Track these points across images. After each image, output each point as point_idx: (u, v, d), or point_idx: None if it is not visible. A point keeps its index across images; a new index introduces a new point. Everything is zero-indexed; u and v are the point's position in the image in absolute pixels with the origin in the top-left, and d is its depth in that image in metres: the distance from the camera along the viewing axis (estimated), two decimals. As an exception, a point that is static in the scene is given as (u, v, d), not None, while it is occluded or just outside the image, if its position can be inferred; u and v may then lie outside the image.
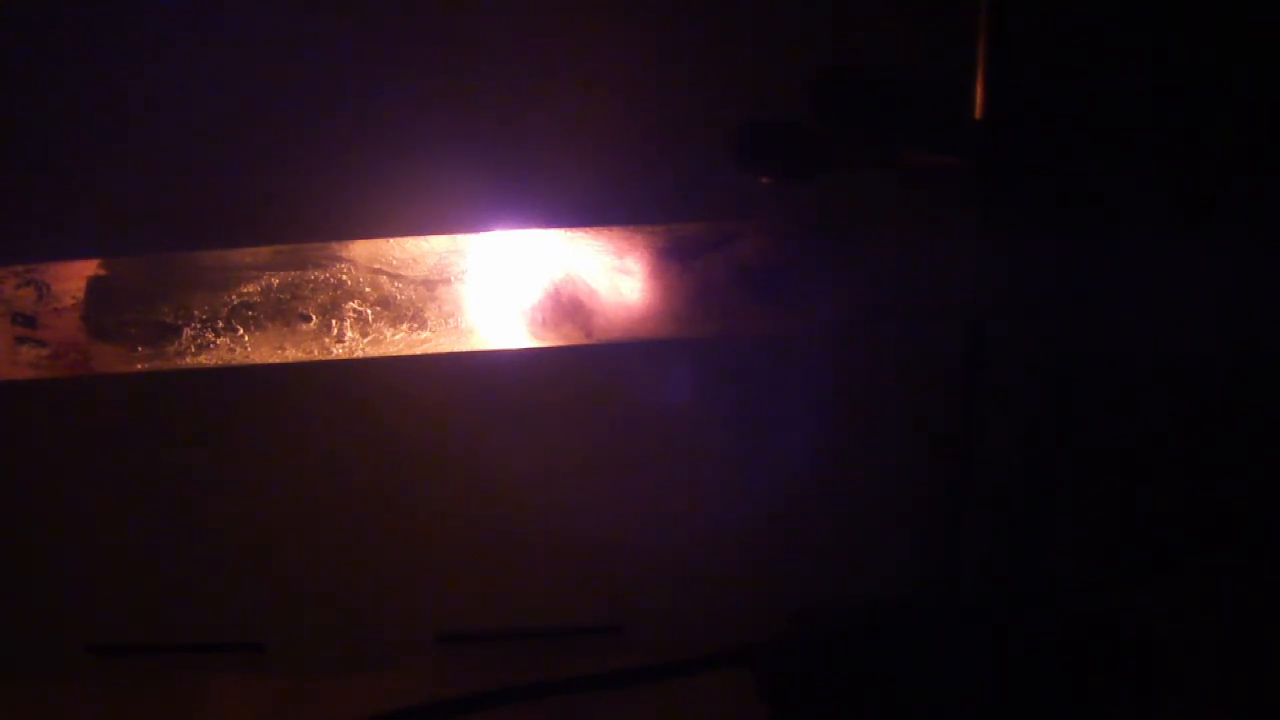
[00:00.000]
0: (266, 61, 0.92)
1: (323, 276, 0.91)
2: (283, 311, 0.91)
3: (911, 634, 1.15)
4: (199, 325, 0.91)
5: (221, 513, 1.11)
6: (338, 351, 0.92)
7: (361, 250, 0.92)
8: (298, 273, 0.91)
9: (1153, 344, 1.06)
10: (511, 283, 0.93)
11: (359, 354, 0.92)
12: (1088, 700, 1.09)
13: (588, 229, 0.93)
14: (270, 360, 0.92)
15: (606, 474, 1.11)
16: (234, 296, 0.91)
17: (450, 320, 0.93)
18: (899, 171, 0.95)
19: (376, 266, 0.91)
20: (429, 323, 0.92)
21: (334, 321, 0.92)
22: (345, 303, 0.92)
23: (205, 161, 0.95)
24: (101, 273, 0.91)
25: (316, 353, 0.92)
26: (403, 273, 0.92)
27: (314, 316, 0.91)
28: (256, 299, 0.91)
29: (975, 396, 1.01)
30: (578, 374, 1.05)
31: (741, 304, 0.94)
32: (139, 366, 0.92)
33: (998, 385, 1.04)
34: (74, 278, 0.91)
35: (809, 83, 0.94)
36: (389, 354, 0.93)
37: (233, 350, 0.91)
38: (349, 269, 0.91)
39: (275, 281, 0.91)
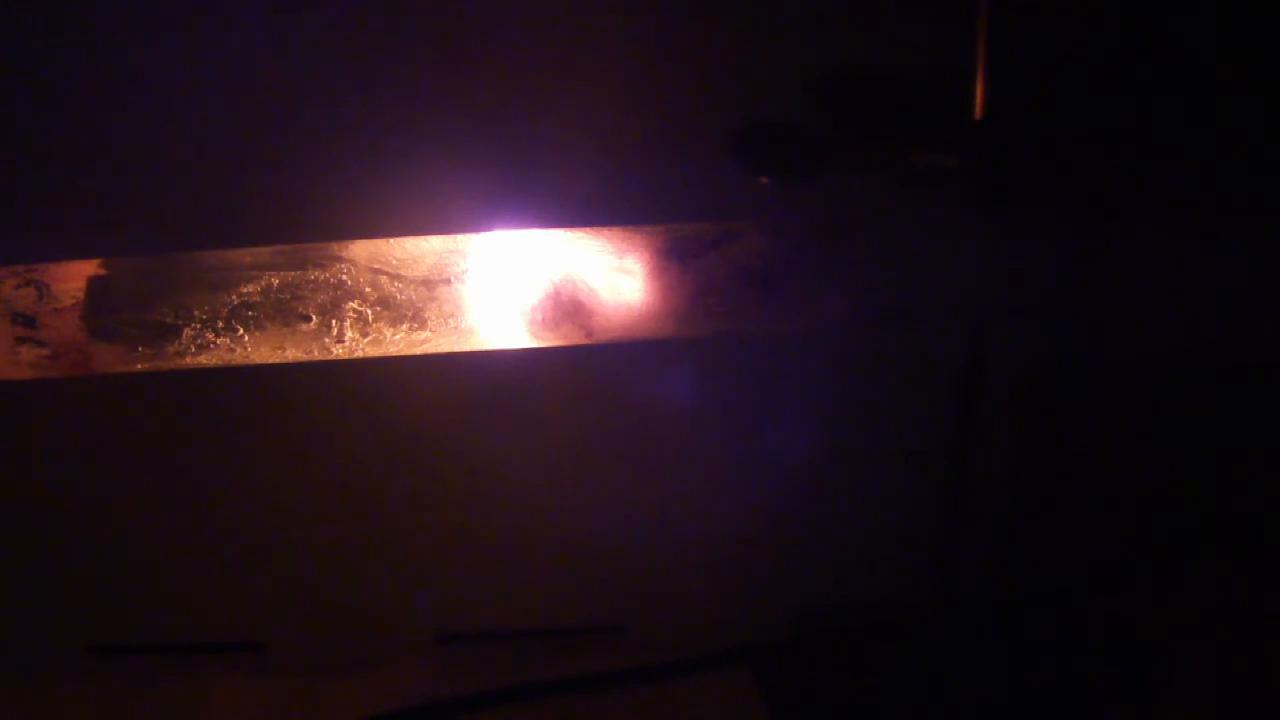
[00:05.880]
0: (267, 62, 0.92)
1: (323, 276, 0.91)
2: (283, 311, 0.91)
3: (912, 634, 1.15)
4: (199, 325, 0.91)
5: (221, 512, 1.11)
6: (338, 351, 0.92)
7: (361, 250, 0.92)
8: (298, 273, 0.91)
9: (1153, 344, 1.06)
10: (511, 283, 0.93)
11: (359, 354, 0.92)
12: (1088, 700, 1.09)
13: (588, 229, 0.92)
14: (270, 360, 0.92)
15: (607, 474, 1.11)
16: (234, 296, 0.91)
17: (450, 320, 0.92)
18: (899, 172, 0.95)
19: (376, 266, 0.91)
20: (429, 323, 0.92)
21: (334, 321, 0.92)
22: (345, 303, 0.91)
23: (205, 161, 0.95)
24: (101, 273, 0.91)
25: (316, 353, 0.92)
26: (403, 273, 0.92)
27: (314, 316, 0.91)
28: (256, 299, 0.91)
29: (975, 396, 1.01)
30: (578, 374, 1.05)
31: (741, 304, 0.94)
32: (139, 366, 0.92)
33: (998, 385, 1.04)
34: (74, 278, 0.91)
35: (809, 83, 0.94)
36: (389, 354, 0.93)
37: (233, 350, 0.91)
38: (349, 269, 0.91)
39: (275, 281, 0.91)
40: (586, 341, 0.94)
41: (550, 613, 1.19)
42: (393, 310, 0.92)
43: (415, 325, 0.92)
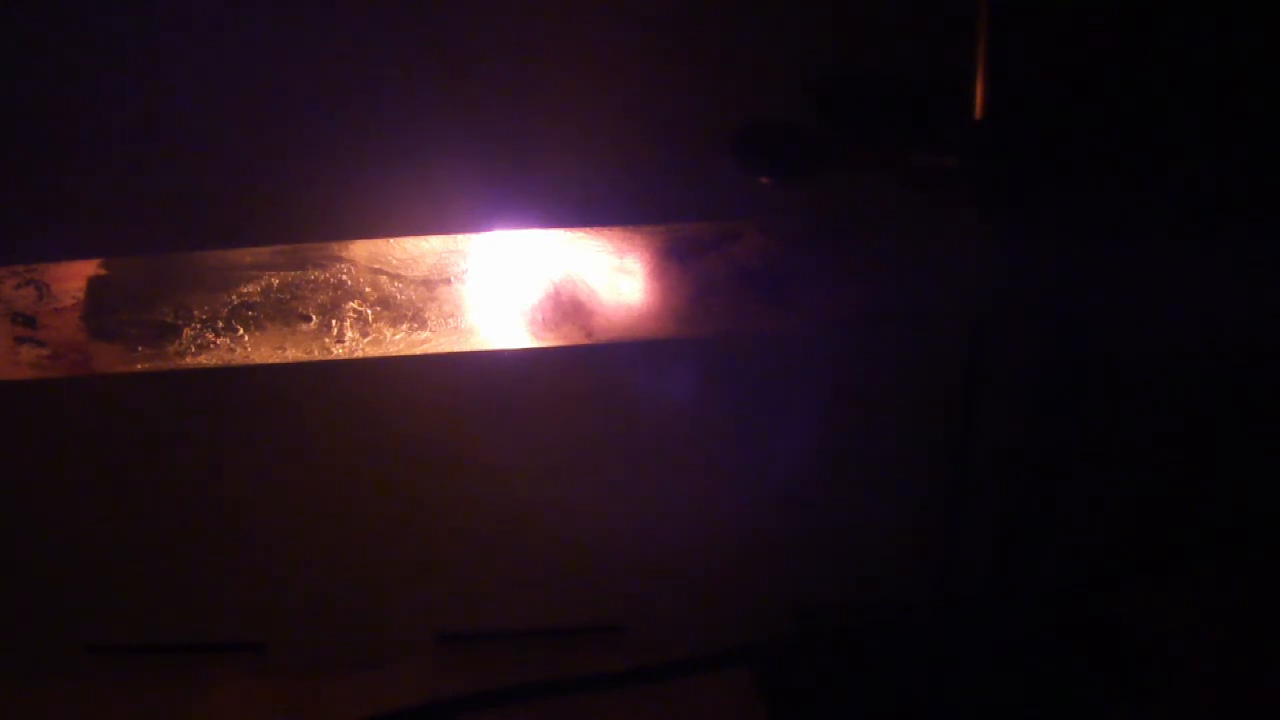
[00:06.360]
0: (267, 61, 0.92)
1: (323, 276, 0.91)
2: (283, 311, 0.91)
3: (911, 633, 1.15)
4: (199, 325, 0.91)
5: (221, 512, 1.11)
6: (338, 351, 0.92)
7: (361, 250, 0.92)
8: (298, 273, 0.91)
9: (1153, 344, 1.05)
10: (511, 283, 0.93)
11: (359, 354, 0.92)
12: (1088, 700, 1.09)
13: (588, 229, 0.92)
14: (270, 360, 0.92)
15: (607, 474, 1.11)
16: (234, 296, 0.91)
17: (450, 320, 0.92)
18: (899, 172, 0.94)
19: (376, 266, 0.91)
20: (429, 323, 0.92)
21: (334, 321, 0.92)
22: (345, 303, 0.91)
23: (205, 161, 0.95)
24: (101, 273, 0.91)
25: (316, 353, 0.92)
26: (403, 273, 0.92)
27: (314, 316, 0.91)
28: (256, 299, 0.91)
29: (975, 396, 1.01)
30: (578, 374, 1.05)
31: (741, 304, 0.94)
32: (139, 366, 0.92)
33: (997, 385, 1.04)
34: (74, 278, 0.91)
35: (809, 83, 0.94)
36: (389, 354, 0.93)
37: (233, 350, 0.91)
38: (349, 269, 0.91)
39: (275, 281, 0.91)
40: (586, 341, 0.94)
41: (550, 613, 1.19)
42: (393, 310, 0.92)
43: (415, 325, 0.92)
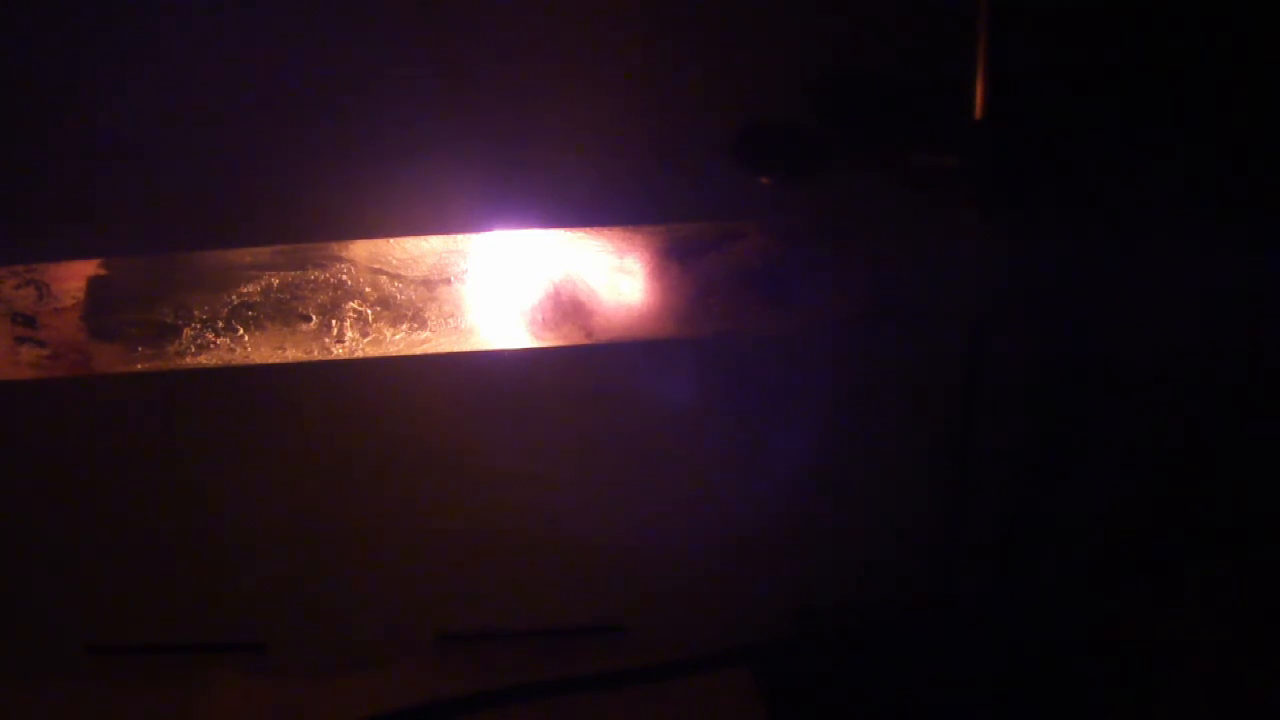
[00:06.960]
0: (267, 61, 0.92)
1: (323, 276, 0.91)
2: (283, 311, 0.91)
3: (911, 633, 1.15)
4: (199, 325, 0.91)
5: (221, 512, 1.11)
6: (338, 351, 0.92)
7: (361, 250, 0.92)
8: (298, 273, 0.91)
9: (1153, 344, 1.06)
10: (511, 283, 0.93)
11: (359, 354, 0.92)
12: (1088, 700, 1.09)
13: (588, 229, 0.93)
14: (270, 360, 0.92)
15: (606, 474, 1.11)
16: (234, 296, 0.91)
17: (450, 320, 0.93)
18: (899, 172, 0.95)
19: (376, 266, 0.91)
20: (429, 323, 0.92)
21: (334, 321, 0.92)
22: (345, 303, 0.92)
23: (205, 161, 0.95)
24: (101, 273, 0.91)
25: (316, 353, 0.92)
26: (403, 273, 0.92)
27: (314, 316, 0.92)
28: (256, 299, 0.91)
29: (975, 396, 1.01)
30: (578, 374, 1.05)
31: (741, 304, 0.94)
32: (139, 366, 0.92)
33: (998, 385, 1.04)
34: (74, 278, 0.91)
35: (809, 83, 0.94)
36: (389, 354, 0.93)
37: (233, 350, 0.92)
38: (349, 269, 0.91)
39: (275, 281, 0.91)
40: (586, 341, 0.94)
41: (550, 613, 1.19)
42: (393, 310, 0.92)
43: (415, 325, 0.92)
